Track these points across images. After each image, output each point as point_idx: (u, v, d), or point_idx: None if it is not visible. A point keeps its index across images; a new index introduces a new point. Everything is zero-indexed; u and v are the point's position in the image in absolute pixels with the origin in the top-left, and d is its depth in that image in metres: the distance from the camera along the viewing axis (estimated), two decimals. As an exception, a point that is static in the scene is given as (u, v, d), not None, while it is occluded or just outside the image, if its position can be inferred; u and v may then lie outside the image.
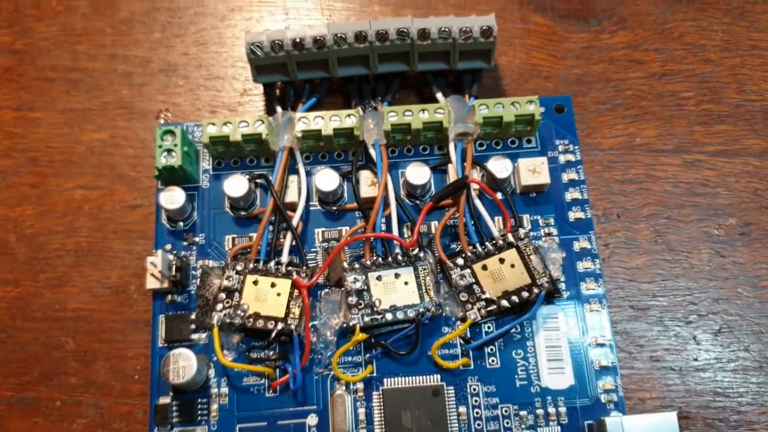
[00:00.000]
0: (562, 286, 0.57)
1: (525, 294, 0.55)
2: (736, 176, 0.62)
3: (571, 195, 0.60)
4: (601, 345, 0.56)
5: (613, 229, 0.61)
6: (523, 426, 0.54)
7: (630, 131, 0.64)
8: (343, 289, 0.55)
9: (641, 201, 0.62)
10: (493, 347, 0.56)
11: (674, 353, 0.57)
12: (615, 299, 0.59)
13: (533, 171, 0.59)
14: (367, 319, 0.54)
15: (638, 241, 0.61)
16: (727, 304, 0.59)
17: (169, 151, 0.57)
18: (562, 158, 0.61)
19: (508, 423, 0.54)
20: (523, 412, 0.54)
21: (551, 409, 0.54)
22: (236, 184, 0.57)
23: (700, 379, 0.57)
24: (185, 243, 0.58)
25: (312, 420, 0.54)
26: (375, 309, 0.54)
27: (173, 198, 0.57)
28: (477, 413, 0.54)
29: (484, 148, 0.61)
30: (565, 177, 0.61)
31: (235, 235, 0.59)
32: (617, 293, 0.59)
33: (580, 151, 0.61)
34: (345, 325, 0.55)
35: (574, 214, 0.59)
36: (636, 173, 0.63)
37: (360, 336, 0.54)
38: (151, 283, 0.55)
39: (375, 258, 0.56)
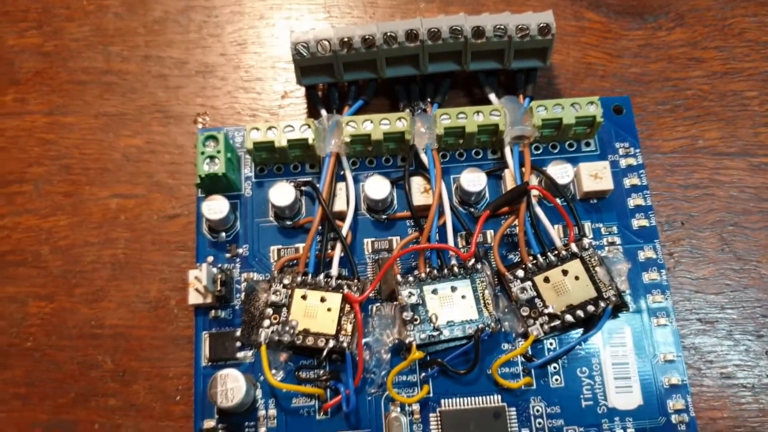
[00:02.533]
0: (628, 299, 0.54)
1: (591, 308, 0.52)
2: (805, 180, 0.59)
3: (633, 201, 0.57)
4: (670, 362, 0.53)
5: (678, 237, 0.58)
6: (590, 449, 0.51)
7: (692, 133, 0.61)
8: (396, 303, 0.52)
9: (706, 207, 0.58)
10: (556, 365, 0.53)
11: (746, 369, 0.54)
12: (681, 312, 0.55)
13: (595, 176, 0.56)
14: (423, 335, 0.51)
15: (704, 250, 0.57)
16: (799, 316, 0.55)
17: (211, 157, 0.54)
18: (623, 162, 0.58)
19: (574, 446, 0.51)
20: (589, 434, 0.51)
21: (619, 431, 0.51)
22: (282, 192, 0.54)
23: (774, 397, 0.53)
24: (228, 255, 0.55)
25: (367, 444, 0.51)
26: (432, 324, 0.51)
27: (216, 207, 0.54)
28: (541, 435, 0.51)
29: (540, 151, 0.58)
30: (627, 182, 0.57)
31: (281, 246, 0.56)
32: (684, 305, 0.56)
33: (641, 154, 0.58)
34: (399, 342, 0.52)
35: (637, 222, 0.56)
36: (700, 178, 0.59)
37: (416, 354, 0.51)
38: (194, 299, 0.52)
39: (430, 270, 0.53)
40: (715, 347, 0.55)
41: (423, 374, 0.52)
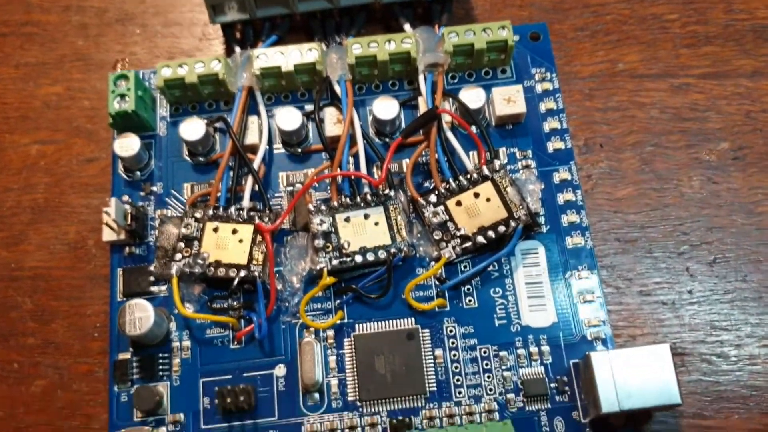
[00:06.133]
0: (542, 219, 0.53)
1: (502, 228, 0.51)
2: (726, 99, 0.59)
3: (549, 125, 0.57)
4: (585, 279, 0.52)
5: (596, 160, 0.57)
6: (503, 367, 0.51)
7: (611, 57, 0.60)
8: (309, 233, 0.52)
9: (626, 129, 0.58)
10: (469, 286, 0.53)
11: (665, 286, 0.54)
12: (599, 232, 0.55)
13: (508, 100, 0.55)
14: (335, 262, 0.51)
15: (623, 171, 0.57)
16: (721, 232, 0.55)
17: (122, 96, 0.54)
18: (539, 87, 0.58)
19: (487, 364, 0.51)
20: (503, 353, 0.51)
21: (533, 348, 0.51)
22: (193, 128, 0.54)
23: (694, 313, 0.53)
24: (143, 193, 0.55)
25: (280, 371, 0.51)
26: (344, 251, 0.51)
27: (128, 145, 0.54)
28: (454, 356, 0.51)
29: (456, 80, 0.58)
30: (543, 107, 0.57)
31: (195, 183, 0.56)
32: (601, 226, 0.55)
33: (558, 79, 0.58)
34: (312, 270, 0.52)
35: (553, 145, 0.56)
36: (619, 101, 0.59)
37: (328, 280, 0.51)
38: (108, 235, 0.53)
39: (342, 199, 0.53)
40: (634, 265, 0.54)
41: (338, 301, 0.52)
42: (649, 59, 0.60)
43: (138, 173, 0.56)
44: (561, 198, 0.54)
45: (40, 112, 0.60)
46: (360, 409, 0.50)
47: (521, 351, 0.51)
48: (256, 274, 0.51)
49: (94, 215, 0.56)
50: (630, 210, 0.56)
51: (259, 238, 0.52)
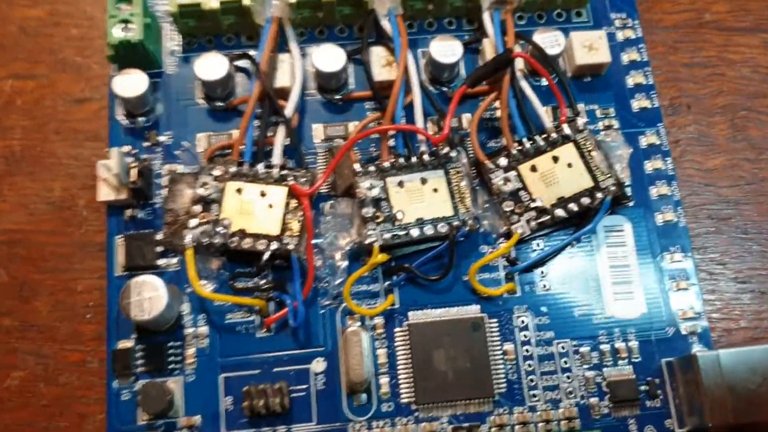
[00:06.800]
0: (629, 191, 0.45)
1: (586, 200, 0.43)
2: (828, 58, 0.51)
3: (633, 79, 0.49)
4: (678, 262, 0.45)
5: (684, 123, 0.50)
6: (585, 366, 0.43)
7: (697, 6, 0.54)
8: (354, 199, 0.43)
9: (715, 89, 0.51)
10: (544, 269, 0.44)
11: (764, 273, 0.46)
12: (690, 208, 0.48)
13: (590, 47, 0.47)
14: (387, 235, 0.42)
15: (713, 138, 0.49)
16: (824, 212, 0.48)
17: (125, 22, 0.44)
18: (620, 35, 0.49)
19: (566, 362, 0.43)
20: (584, 349, 0.43)
21: (620, 344, 0.43)
22: (212, 65, 0.45)
23: (796, 305, 0.46)
24: (147, 144, 0.46)
25: (318, 365, 0.42)
26: (397, 223, 0.42)
27: (132, 83, 0.44)
28: (527, 351, 0.43)
29: (524, 22, 0.50)
30: (626, 58, 0.49)
31: (211, 133, 0.46)
32: (692, 201, 0.48)
33: (641, 26, 0.49)
34: (358, 244, 0.43)
35: (638, 103, 0.48)
36: (707, 56, 0.52)
37: (379, 258, 0.42)
38: (105, 194, 0.43)
39: (395, 159, 0.44)
40: (729, 248, 0.47)
41: (387, 282, 0.44)
42: (739, 10, 0.53)
43: (141, 119, 0.46)
44: (649, 166, 0.46)
45: (16, 40, 0.50)
46: (416, 414, 0.42)
47: (605, 347, 0.43)
48: (291, 247, 0.42)
49: (85, 169, 0.47)
50: (722, 183, 0.48)
51: (293, 203, 0.43)
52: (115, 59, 0.45)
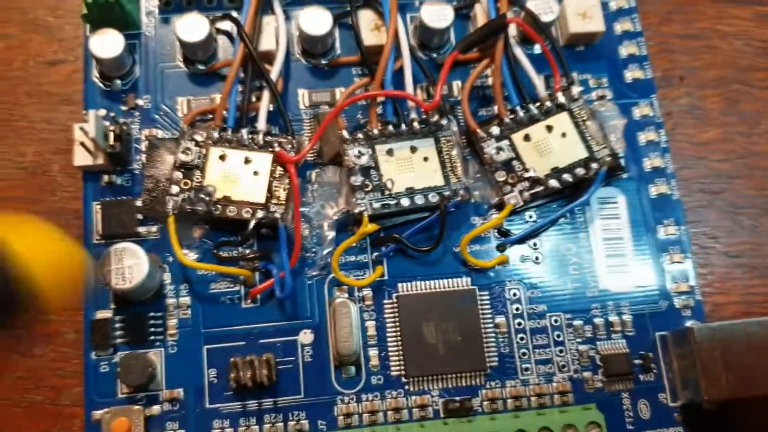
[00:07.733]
0: (623, 162, 0.44)
1: (580, 171, 0.42)
2: (822, 32, 0.51)
3: (626, 50, 0.47)
4: (672, 236, 0.44)
5: (676, 95, 0.49)
6: (578, 339, 0.42)
7: None
8: (342, 167, 0.41)
9: (707, 61, 0.50)
10: (537, 241, 0.43)
11: (755, 248, 0.46)
12: (682, 181, 0.47)
13: (584, 15, 0.46)
14: (377, 205, 0.41)
15: (706, 110, 0.49)
16: (821, 186, 0.47)
17: (100, -21, 0.42)
18: (613, 4, 0.49)
19: (559, 336, 0.42)
20: (578, 322, 0.42)
21: (614, 318, 0.42)
22: (193, 26, 0.43)
23: (787, 280, 0.46)
24: (124, 108, 0.44)
25: (305, 337, 0.41)
26: (387, 192, 0.41)
27: (108, 44, 0.42)
28: (519, 324, 0.42)
29: (516, -11, 0.48)
30: (618, 27, 0.48)
31: (192, 97, 0.44)
32: (684, 174, 0.47)
33: (634, -5, 0.49)
34: (347, 213, 0.41)
35: (631, 74, 0.47)
36: (700, 27, 0.51)
37: (368, 227, 0.40)
38: (82, 159, 0.41)
39: (384, 126, 0.42)
40: (720, 222, 0.46)
41: (376, 253, 0.43)
42: (731, -19, 0.52)
43: (118, 82, 0.44)
44: (642, 137, 0.45)
45: (-16, -1, 0.47)
46: (406, 387, 0.40)
47: (599, 320, 0.42)
48: (278, 215, 0.40)
49: (58, 133, 0.45)
50: (714, 157, 0.47)
51: (279, 170, 0.41)
52: (90, 19, 0.43)
